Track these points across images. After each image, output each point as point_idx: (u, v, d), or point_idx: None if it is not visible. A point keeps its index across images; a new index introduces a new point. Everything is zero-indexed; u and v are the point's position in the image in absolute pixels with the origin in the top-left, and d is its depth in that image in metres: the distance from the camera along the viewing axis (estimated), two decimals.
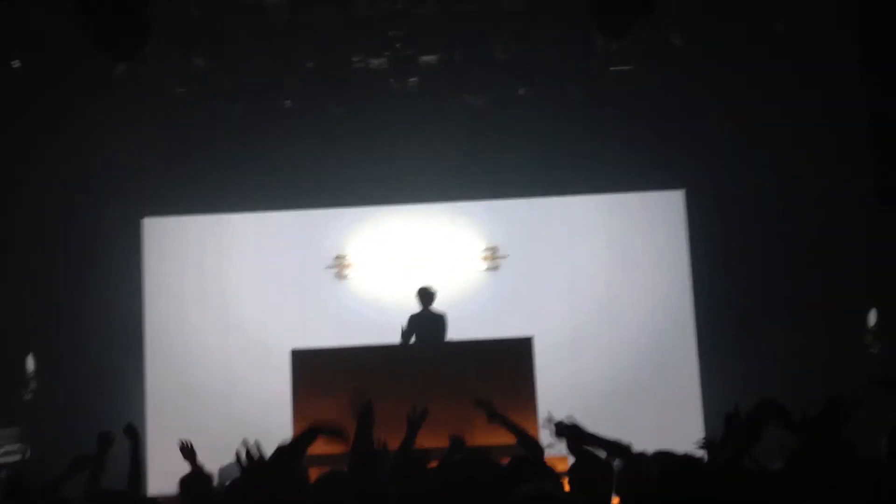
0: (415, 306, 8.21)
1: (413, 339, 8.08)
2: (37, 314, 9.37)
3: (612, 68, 9.40)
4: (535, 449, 4.36)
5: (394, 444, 4.46)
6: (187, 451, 4.76)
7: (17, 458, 8.71)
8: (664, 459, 3.24)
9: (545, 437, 4.45)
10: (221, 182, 9.73)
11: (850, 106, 8.68)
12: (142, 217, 9.98)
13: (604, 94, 9.51)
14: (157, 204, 9.85)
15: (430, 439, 4.62)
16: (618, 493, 3.47)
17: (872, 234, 8.70)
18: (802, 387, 7.99)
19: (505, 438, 4.75)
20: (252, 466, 3.17)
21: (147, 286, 9.90)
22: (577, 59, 9.34)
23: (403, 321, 8.02)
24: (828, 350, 8.91)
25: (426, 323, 8.11)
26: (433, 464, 4.17)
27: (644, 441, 4.30)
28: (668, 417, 8.83)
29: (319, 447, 4.61)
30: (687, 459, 3.05)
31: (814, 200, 9.21)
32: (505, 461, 3.84)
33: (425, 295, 8.25)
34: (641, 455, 3.79)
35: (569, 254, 9.93)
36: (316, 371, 7.13)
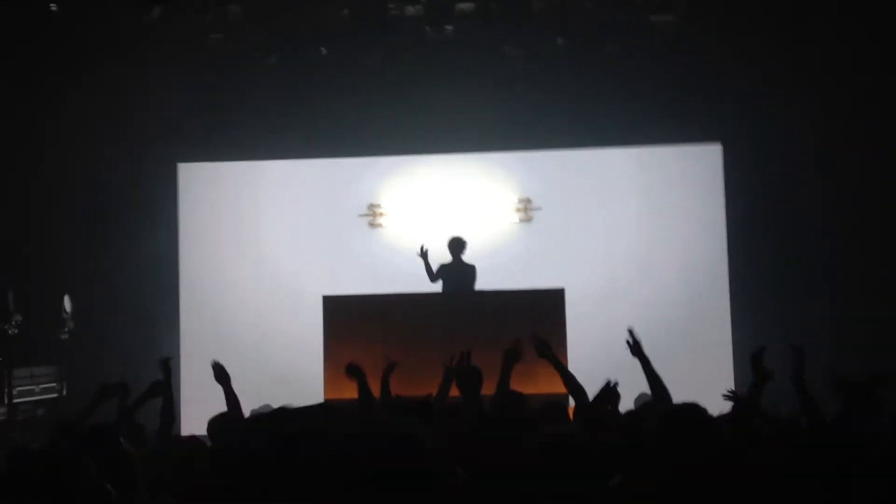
0: (446, 256, 8.23)
1: (441, 287, 8.12)
2: (74, 256, 9.50)
3: (651, 18, 9.23)
4: (579, 391, 4.39)
5: (422, 389, 4.50)
6: (221, 374, 4.79)
7: (54, 395, 8.90)
8: (665, 409, 3.27)
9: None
10: (256, 129, 9.74)
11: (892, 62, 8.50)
12: (177, 162, 10.04)
13: (641, 45, 9.36)
14: (192, 149, 9.90)
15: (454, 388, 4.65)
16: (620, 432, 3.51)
17: None
18: (832, 347, 7.95)
19: (536, 388, 4.77)
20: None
21: (182, 231, 10.00)
22: (616, 9, 9.20)
23: (435, 266, 8.08)
24: (859, 311, 8.82)
25: (456, 273, 8.13)
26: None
27: (675, 394, 4.30)
28: (699, 372, 8.79)
29: (354, 392, 4.65)
30: (688, 410, 3.03)
31: (854, 160, 9.05)
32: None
33: (456, 245, 8.26)
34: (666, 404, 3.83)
35: (603, 207, 9.86)
36: (347, 317, 7.18)
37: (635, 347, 4.34)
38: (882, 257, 8.99)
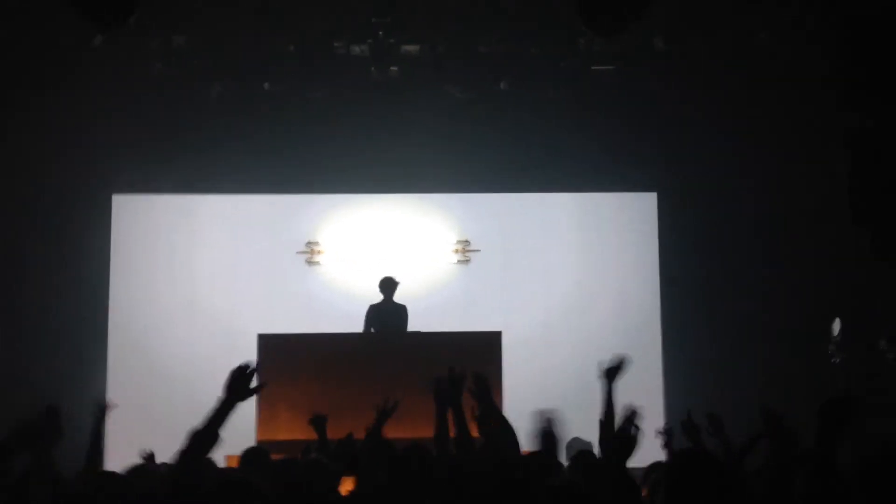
0: (378, 296, 8.21)
1: (372, 330, 8.07)
2: (2, 285, 9.24)
3: (593, 68, 9.41)
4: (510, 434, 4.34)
5: (358, 432, 4.44)
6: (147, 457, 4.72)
7: None
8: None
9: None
10: (195, 162, 9.63)
11: (827, 115, 8.78)
12: (112, 193, 9.86)
13: (583, 93, 9.53)
14: (127, 181, 9.73)
15: (395, 430, 4.60)
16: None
17: (843, 243, 8.79)
18: (764, 393, 8.08)
19: (402, 433, 4.66)
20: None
21: (114, 264, 9.79)
22: (559, 57, 9.36)
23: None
24: (790, 358, 9.00)
25: (387, 313, 8.11)
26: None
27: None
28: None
29: (286, 433, 4.55)
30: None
31: (785, 209, 9.30)
32: None
33: (388, 285, 8.24)
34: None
35: (541, 250, 9.95)
36: (282, 356, 7.09)
37: (610, 372, 4.11)
38: (811, 297, 9.19)
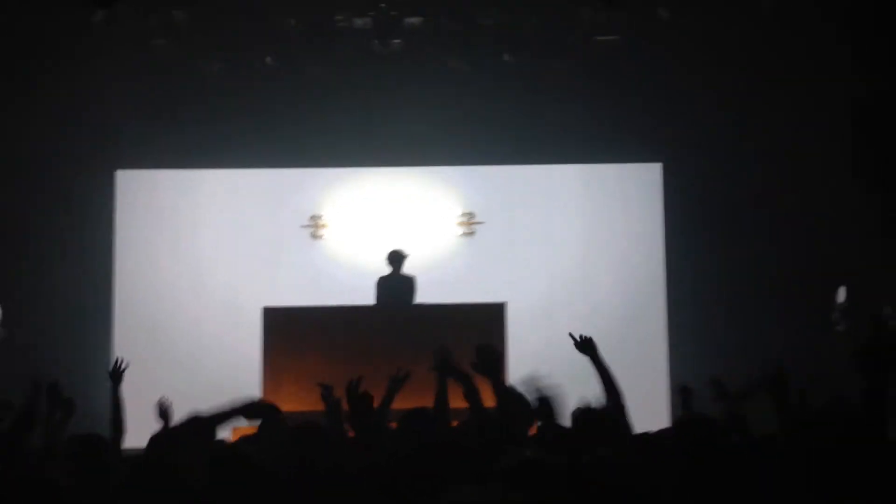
0: (386, 269, 8.21)
1: (379, 300, 8.08)
2: (6, 262, 9.27)
3: (597, 38, 9.35)
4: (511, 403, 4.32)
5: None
6: (163, 412, 4.75)
7: None
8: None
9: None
10: (198, 137, 9.62)
11: (834, 85, 8.73)
12: (116, 168, 9.86)
13: (587, 64, 9.47)
14: (131, 156, 9.73)
15: (401, 401, 4.62)
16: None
17: (849, 213, 8.77)
18: (768, 366, 8.09)
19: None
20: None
21: (118, 240, 9.81)
22: (562, 28, 9.29)
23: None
24: (795, 327, 9.00)
25: (395, 285, 8.12)
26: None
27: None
28: (634, 389, 8.87)
29: (291, 405, 4.57)
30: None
31: (792, 179, 9.26)
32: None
33: (395, 258, 8.25)
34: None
35: (545, 222, 9.93)
36: (286, 329, 7.13)
37: (584, 344, 4.08)
38: (819, 273, 9.18)
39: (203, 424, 3.09)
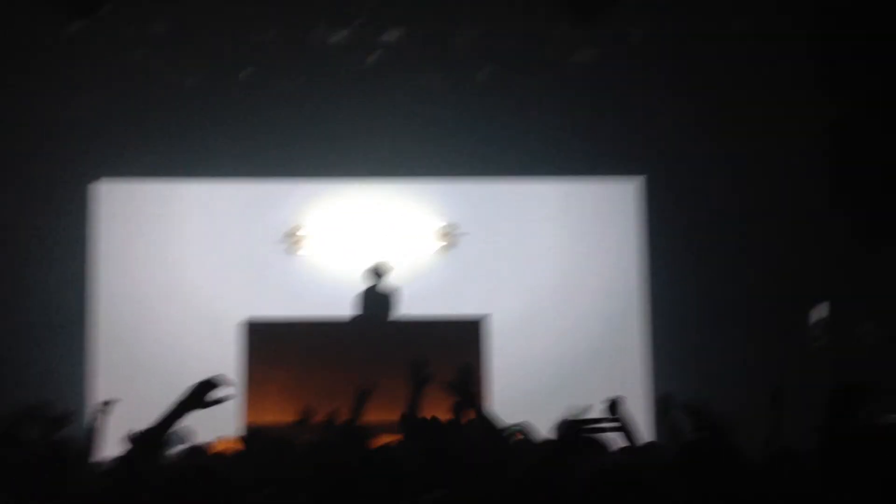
0: (366, 282, 8.20)
1: (362, 312, 8.07)
2: None
3: (574, 52, 9.42)
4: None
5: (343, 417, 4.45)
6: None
7: None
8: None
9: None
10: (176, 148, 9.58)
11: (812, 99, 8.81)
12: (94, 179, 9.80)
13: (565, 78, 9.53)
14: (109, 167, 9.67)
15: (379, 413, 4.61)
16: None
17: (828, 228, 8.83)
18: (746, 380, 8.15)
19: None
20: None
21: (98, 250, 9.74)
22: (540, 43, 9.35)
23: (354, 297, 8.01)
24: (772, 344, 9.05)
25: (375, 299, 8.11)
26: (382, 438, 4.16)
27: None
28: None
29: (273, 416, 4.53)
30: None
31: (770, 194, 9.33)
32: None
33: (378, 270, 8.25)
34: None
35: (525, 236, 9.96)
36: (268, 342, 7.10)
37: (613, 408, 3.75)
38: (801, 287, 9.24)
39: (148, 438, 3.00)
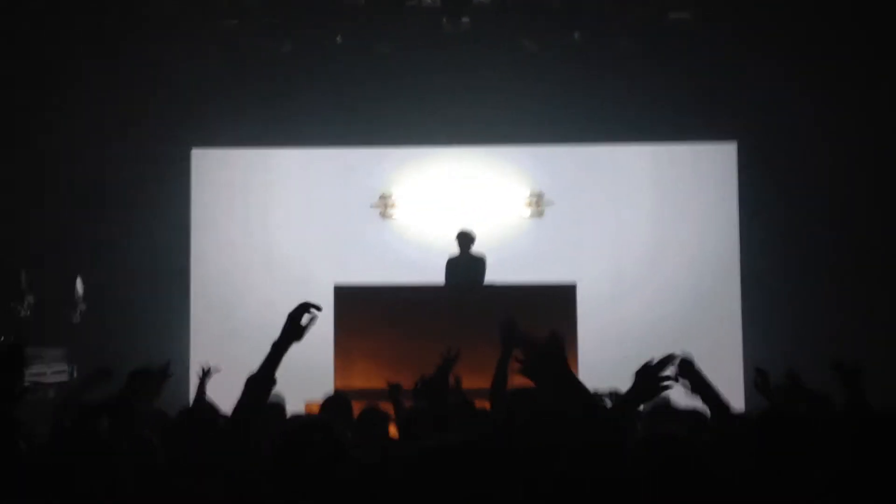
0: (455, 249, 8.22)
1: (449, 280, 8.10)
2: (87, 239, 9.52)
3: (668, 15, 9.19)
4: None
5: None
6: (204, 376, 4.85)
7: (63, 378, 8.92)
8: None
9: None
10: (269, 116, 9.74)
11: None
12: (190, 147, 10.05)
13: (658, 41, 9.33)
14: (205, 135, 9.90)
15: (471, 380, 4.64)
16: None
17: None
18: (842, 349, 7.91)
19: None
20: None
21: (193, 217, 10.01)
22: (632, 5, 9.16)
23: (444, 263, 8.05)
24: (872, 309, 8.78)
25: (464, 266, 8.12)
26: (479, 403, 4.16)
27: (680, 393, 4.27)
28: (707, 372, 8.78)
29: (361, 382, 4.60)
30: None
31: (869, 162, 9.01)
32: None
33: (464, 238, 8.25)
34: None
35: (615, 203, 9.84)
36: (357, 307, 7.18)
37: (694, 379, 3.66)
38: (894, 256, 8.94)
39: (261, 377, 3.09)
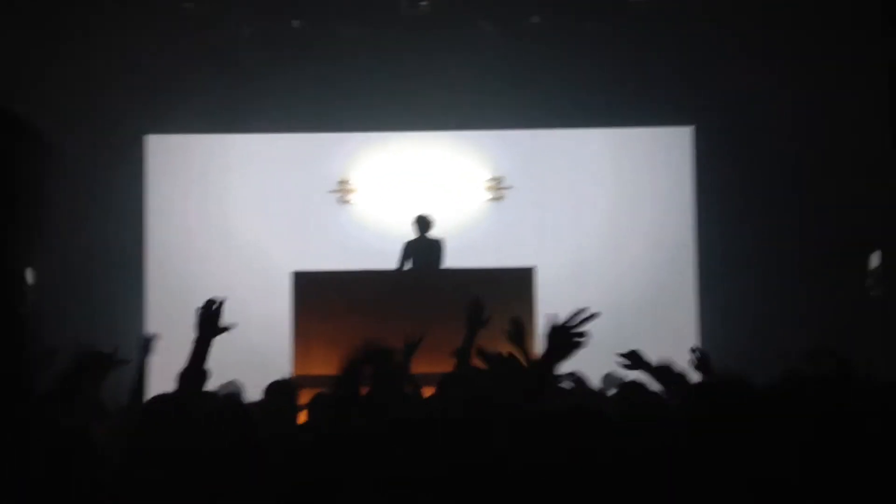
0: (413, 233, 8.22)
1: (409, 266, 8.09)
2: (37, 228, 9.35)
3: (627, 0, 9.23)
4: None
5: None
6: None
7: None
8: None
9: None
10: (226, 101, 9.62)
11: (871, 45, 8.54)
12: (145, 133, 9.90)
13: (616, 25, 9.35)
14: (160, 121, 9.76)
15: (428, 365, 4.63)
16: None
17: (885, 177, 8.62)
18: (797, 330, 8.03)
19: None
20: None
21: (150, 205, 9.88)
22: None
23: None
24: (827, 293, 8.90)
25: (422, 249, 8.12)
26: (430, 390, 4.16)
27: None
28: (662, 355, 8.86)
29: (321, 368, 4.55)
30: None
31: (827, 141, 9.10)
32: None
33: (422, 222, 8.25)
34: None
35: (574, 187, 9.88)
36: (316, 294, 7.15)
37: (632, 358, 3.89)
38: (854, 239, 9.05)
39: (190, 372, 3.07)
